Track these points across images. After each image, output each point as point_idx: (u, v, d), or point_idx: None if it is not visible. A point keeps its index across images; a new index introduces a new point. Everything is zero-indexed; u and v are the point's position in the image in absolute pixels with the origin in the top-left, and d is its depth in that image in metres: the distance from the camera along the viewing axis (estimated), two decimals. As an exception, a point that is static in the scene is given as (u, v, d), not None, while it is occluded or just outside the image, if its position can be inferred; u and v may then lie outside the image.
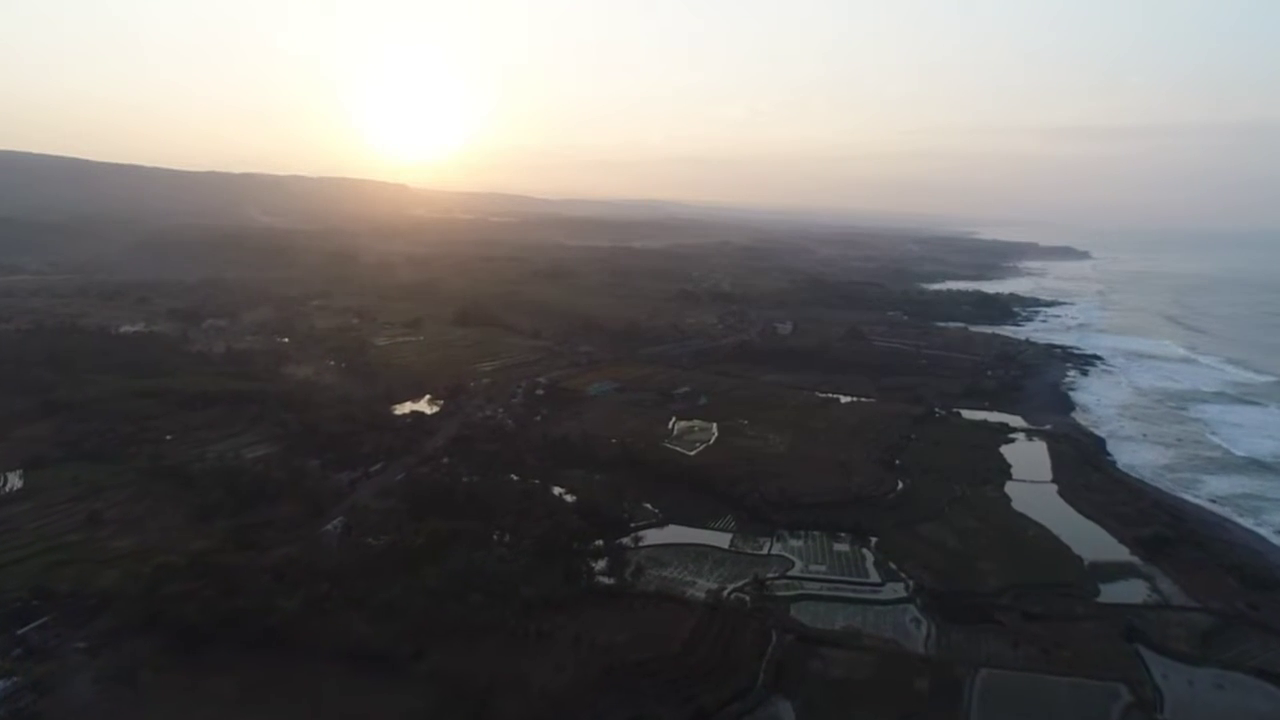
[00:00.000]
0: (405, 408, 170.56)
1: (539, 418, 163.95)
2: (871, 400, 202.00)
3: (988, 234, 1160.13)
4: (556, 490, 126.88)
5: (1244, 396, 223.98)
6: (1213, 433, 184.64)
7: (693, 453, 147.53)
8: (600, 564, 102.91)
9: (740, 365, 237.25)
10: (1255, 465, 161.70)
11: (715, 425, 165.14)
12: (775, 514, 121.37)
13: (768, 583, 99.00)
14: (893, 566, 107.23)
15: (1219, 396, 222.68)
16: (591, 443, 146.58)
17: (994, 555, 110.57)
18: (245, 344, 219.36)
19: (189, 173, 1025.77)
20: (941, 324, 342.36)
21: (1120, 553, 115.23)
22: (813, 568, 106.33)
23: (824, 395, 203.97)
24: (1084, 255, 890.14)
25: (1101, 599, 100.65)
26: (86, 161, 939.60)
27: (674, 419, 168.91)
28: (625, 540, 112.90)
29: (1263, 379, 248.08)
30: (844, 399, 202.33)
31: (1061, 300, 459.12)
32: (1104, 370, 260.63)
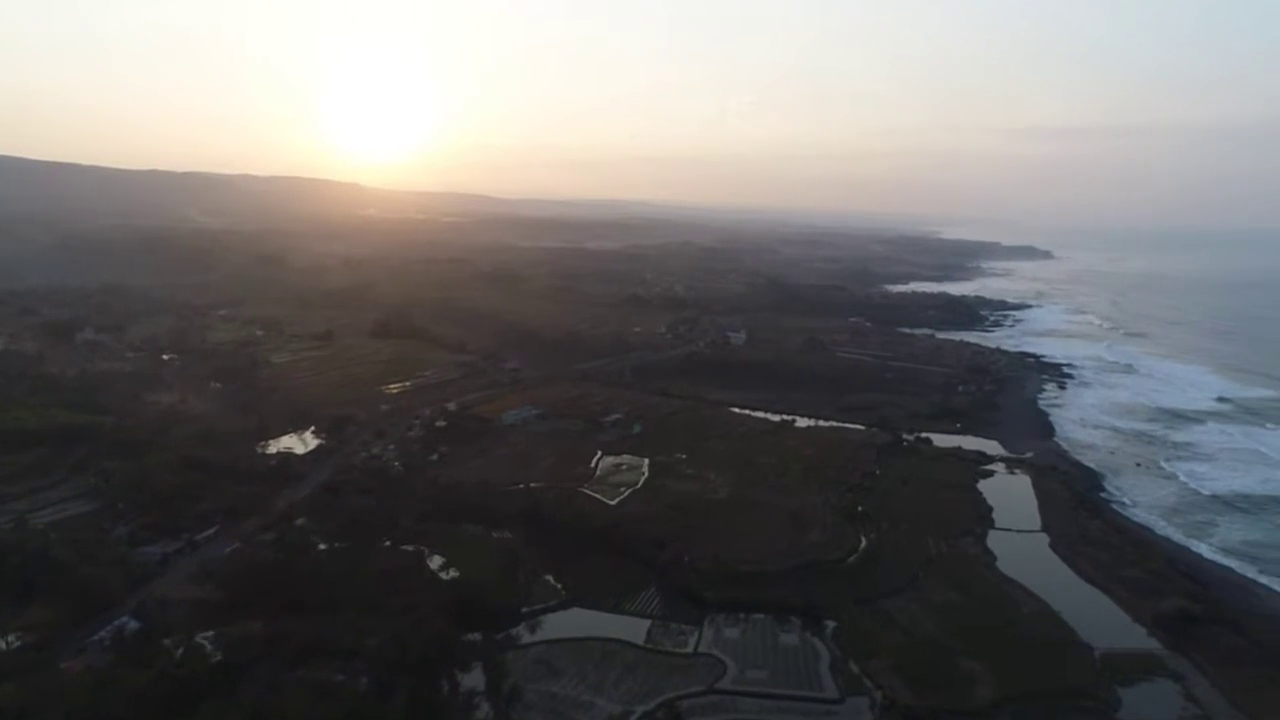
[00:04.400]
0: (278, 444, 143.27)
1: (436, 456, 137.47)
2: (831, 424, 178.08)
3: (951, 233, 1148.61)
4: (435, 562, 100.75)
5: (1235, 413, 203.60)
6: (1211, 460, 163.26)
7: (615, 501, 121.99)
8: (469, 677, 77.35)
9: (686, 381, 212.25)
10: (1264, 501, 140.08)
11: (647, 462, 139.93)
12: (708, 589, 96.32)
13: (684, 712, 73.71)
14: (854, 669, 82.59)
15: (1210, 415, 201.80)
16: (491, 492, 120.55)
17: (983, 647, 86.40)
18: (116, 364, 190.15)
19: (128, 171, 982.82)
20: (907, 330, 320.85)
21: (1138, 636, 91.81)
22: (750, 674, 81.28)
23: (777, 418, 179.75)
24: (1046, 255, 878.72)
25: (1123, 715, 76.94)
26: (19, 159, 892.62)
27: (599, 454, 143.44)
28: (518, 630, 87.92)
29: (1259, 393, 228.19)
30: (800, 422, 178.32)
31: (1029, 303, 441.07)
32: (1082, 383, 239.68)
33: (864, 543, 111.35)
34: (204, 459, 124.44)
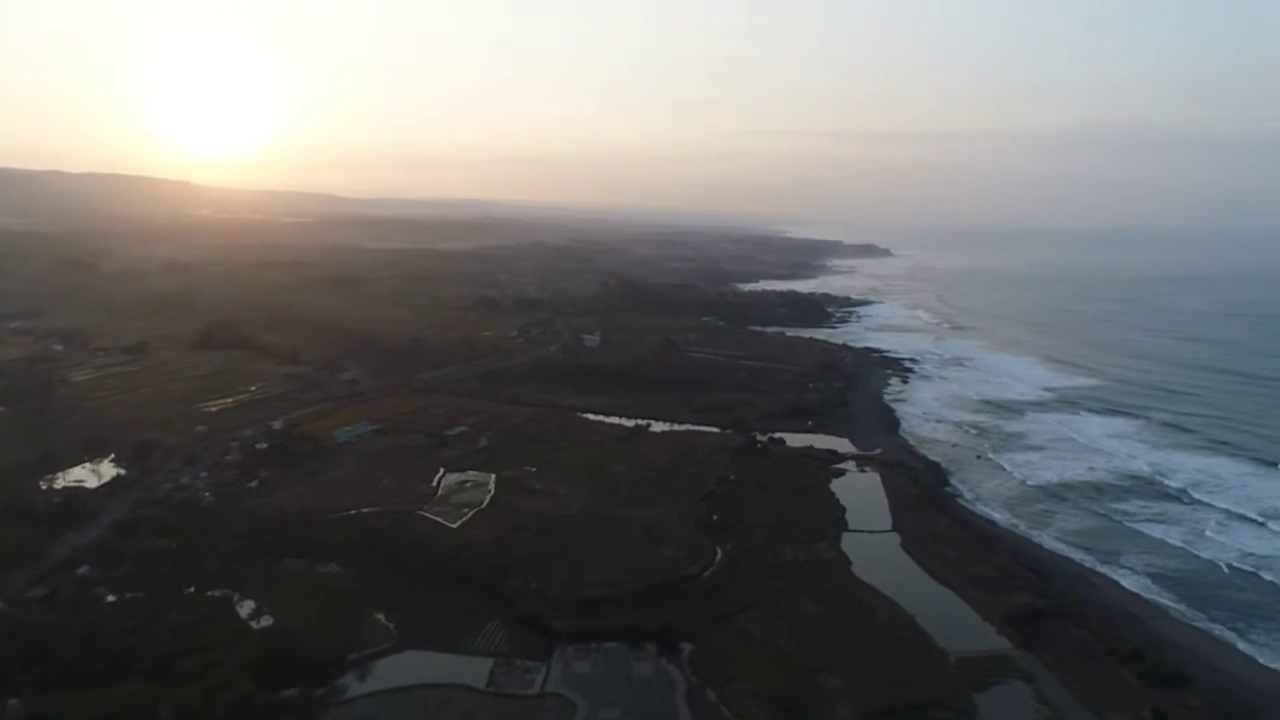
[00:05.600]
0: (67, 477, 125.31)
1: (255, 483, 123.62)
2: (686, 427, 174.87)
3: (796, 232, 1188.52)
4: (246, 608, 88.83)
5: (1059, 403, 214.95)
6: (1042, 450, 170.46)
7: (457, 524, 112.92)
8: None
9: (538, 387, 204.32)
10: (1090, 488, 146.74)
11: (494, 478, 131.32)
12: (557, 618, 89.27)
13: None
14: (712, 698, 77.68)
15: (1037, 405, 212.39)
16: (317, 520, 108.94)
17: (841, 661, 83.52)
18: None
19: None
20: (758, 328, 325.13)
21: (988, 636, 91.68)
22: (602, 713, 74.88)
23: (632, 423, 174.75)
24: (886, 253, 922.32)
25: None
26: None
27: (442, 472, 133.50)
28: (343, 680, 78.14)
29: (1079, 382, 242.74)
30: (656, 426, 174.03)
31: (871, 299, 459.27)
32: (923, 376, 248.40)
33: (720, 555, 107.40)
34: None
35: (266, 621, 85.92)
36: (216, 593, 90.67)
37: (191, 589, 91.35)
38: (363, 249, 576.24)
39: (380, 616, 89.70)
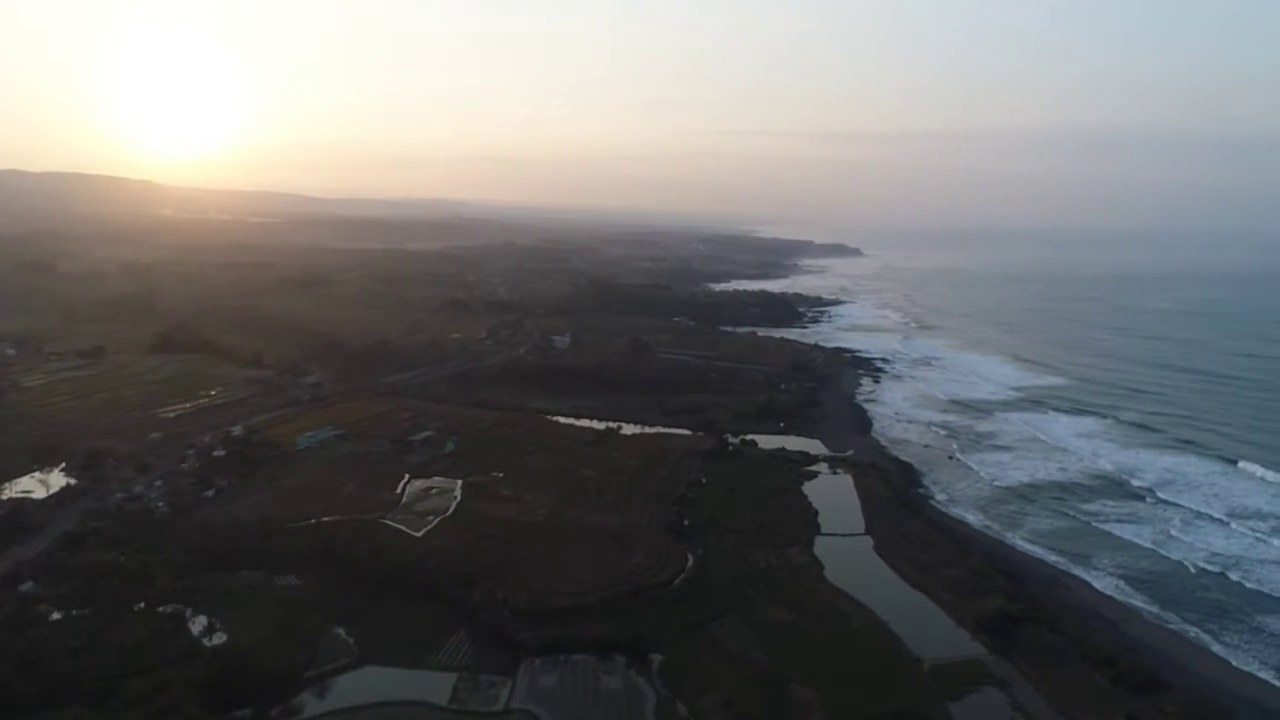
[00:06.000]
0: (14, 488, 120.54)
1: (212, 492, 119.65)
2: (657, 429, 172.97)
3: (767, 232, 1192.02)
4: (198, 624, 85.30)
5: (1027, 402, 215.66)
6: (1012, 450, 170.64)
7: (421, 532, 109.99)
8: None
9: (507, 390, 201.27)
10: (1060, 487, 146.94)
11: (460, 484, 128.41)
12: (522, 630, 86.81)
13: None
14: (682, 711, 75.67)
15: (1007, 404, 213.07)
16: (275, 531, 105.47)
17: (814, 670, 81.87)
18: None
19: None
20: (730, 329, 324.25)
21: (962, 641, 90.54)
22: (569, 730, 72.62)
23: (602, 425, 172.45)
24: (856, 252, 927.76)
25: (955, 731, 74.31)
26: None
27: (407, 478, 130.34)
28: (300, 698, 75.31)
29: (1046, 381, 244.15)
30: (626, 429, 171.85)
31: (842, 298, 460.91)
32: (894, 376, 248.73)
33: (691, 561, 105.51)
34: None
35: (219, 638, 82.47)
36: (167, 609, 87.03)
37: (141, 605, 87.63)
38: (331, 249, 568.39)
39: (340, 631, 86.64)
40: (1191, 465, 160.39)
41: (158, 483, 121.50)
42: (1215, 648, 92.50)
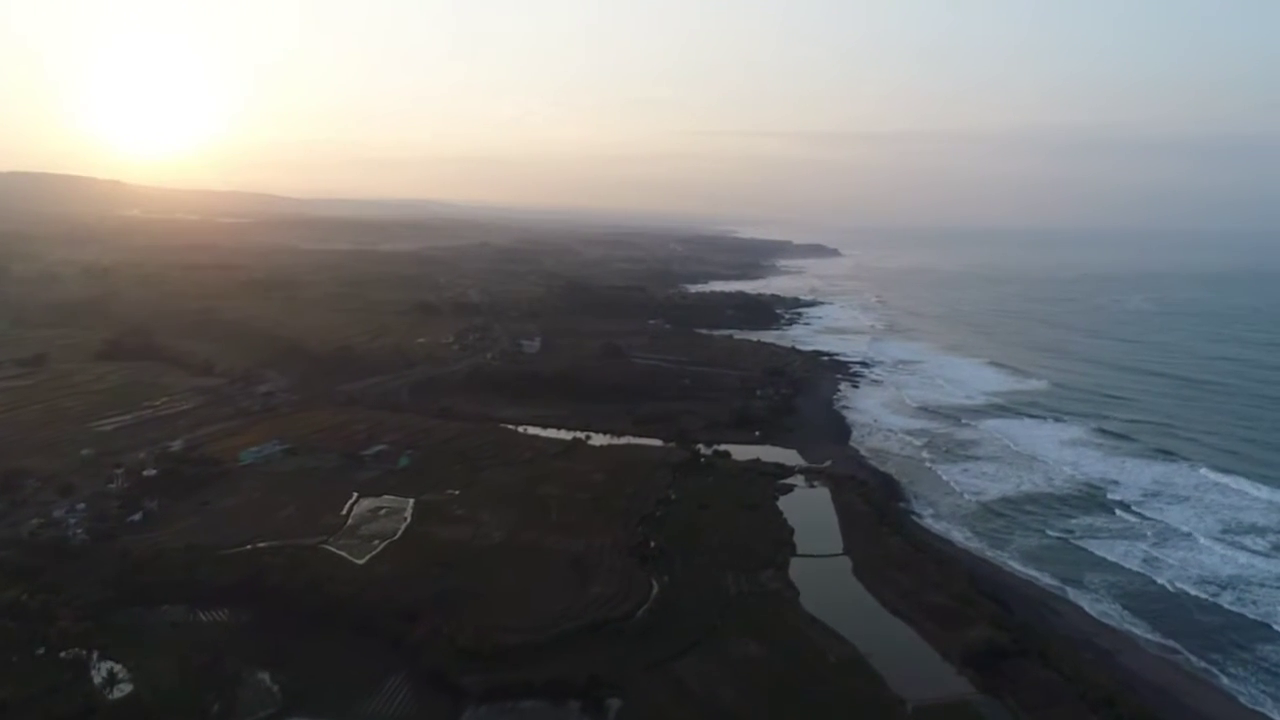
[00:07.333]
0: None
1: (140, 516, 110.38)
2: (626, 439, 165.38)
3: (746, 233, 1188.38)
4: (102, 673, 76.39)
5: (1008, 409, 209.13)
6: (996, 460, 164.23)
7: (364, 559, 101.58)
8: None
9: (471, 398, 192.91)
10: (1045, 500, 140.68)
11: (411, 503, 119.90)
12: (468, 673, 78.65)
13: None
14: (640, 769, 67.96)
15: (987, 411, 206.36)
16: (202, 560, 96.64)
17: (786, 713, 74.53)
18: None
19: None
20: (706, 331, 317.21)
21: (948, 678, 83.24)
22: (512, 793, 64.67)
23: (570, 435, 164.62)
24: (834, 253, 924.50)
25: (942, 788, 67.02)
26: None
27: (355, 497, 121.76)
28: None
29: (1027, 385, 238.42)
30: (594, 439, 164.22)
31: (820, 300, 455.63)
32: (873, 381, 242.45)
33: (656, 589, 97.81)
34: None
35: (123, 689, 73.74)
36: (69, 654, 78.12)
37: (42, 651, 78.64)
38: (299, 250, 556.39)
39: (264, 676, 78.04)
40: (1180, 475, 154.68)
41: (80, 506, 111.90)
42: (1222, 681, 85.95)
